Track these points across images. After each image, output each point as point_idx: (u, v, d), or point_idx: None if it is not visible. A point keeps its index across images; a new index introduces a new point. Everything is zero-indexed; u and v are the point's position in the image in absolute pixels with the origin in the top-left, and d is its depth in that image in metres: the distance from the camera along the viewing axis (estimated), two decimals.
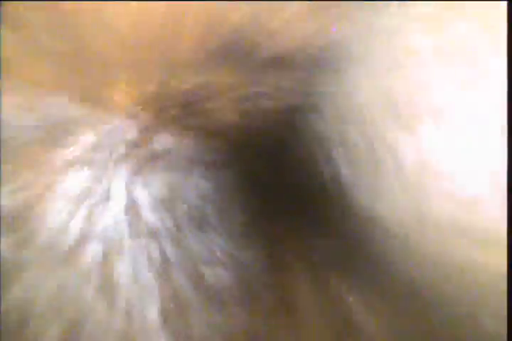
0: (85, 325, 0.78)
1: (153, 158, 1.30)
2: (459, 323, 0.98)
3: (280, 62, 1.29)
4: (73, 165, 1.05)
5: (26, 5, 0.97)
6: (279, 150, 2.11)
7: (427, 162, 1.16)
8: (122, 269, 0.87)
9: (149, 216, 1.14)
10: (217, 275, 1.06)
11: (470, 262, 0.92)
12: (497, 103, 0.86)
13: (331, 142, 1.74)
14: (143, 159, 1.26)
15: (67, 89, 1.07)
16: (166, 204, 1.24)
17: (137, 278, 0.90)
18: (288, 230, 1.47)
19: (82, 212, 0.97)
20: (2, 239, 0.82)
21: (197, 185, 1.42)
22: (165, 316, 0.84)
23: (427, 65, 1.10)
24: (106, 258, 0.88)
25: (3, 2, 0.86)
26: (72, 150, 1.06)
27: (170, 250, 1.08)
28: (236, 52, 1.19)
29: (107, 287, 0.84)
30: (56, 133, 1.03)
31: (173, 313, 0.87)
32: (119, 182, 1.13)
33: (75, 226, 0.92)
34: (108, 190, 1.09)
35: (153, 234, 1.09)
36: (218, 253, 1.16)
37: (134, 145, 1.27)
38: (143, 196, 1.17)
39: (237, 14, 1.10)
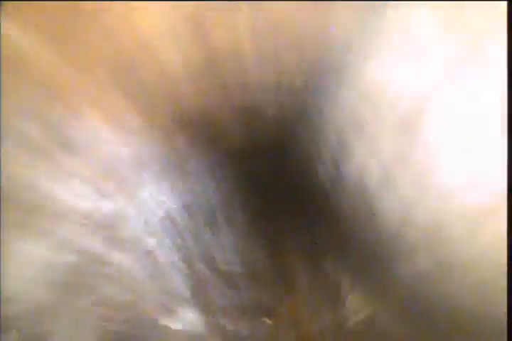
0: None
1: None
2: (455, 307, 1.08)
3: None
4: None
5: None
6: (279, 151, 2.23)
7: (425, 163, 1.20)
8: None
9: (175, 214, 1.35)
10: (227, 258, 1.32)
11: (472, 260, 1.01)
12: (498, 102, 0.86)
13: (332, 142, 1.81)
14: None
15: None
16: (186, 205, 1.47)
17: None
18: (287, 224, 1.66)
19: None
20: None
21: (202, 186, 1.63)
22: (192, 290, 1.15)
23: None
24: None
25: (3, 2, 0.86)
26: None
27: (189, 238, 1.31)
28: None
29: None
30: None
31: (197, 288, 1.18)
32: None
33: None
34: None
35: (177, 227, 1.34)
36: (226, 241, 1.42)
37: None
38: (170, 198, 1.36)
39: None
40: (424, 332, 1.28)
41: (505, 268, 0.89)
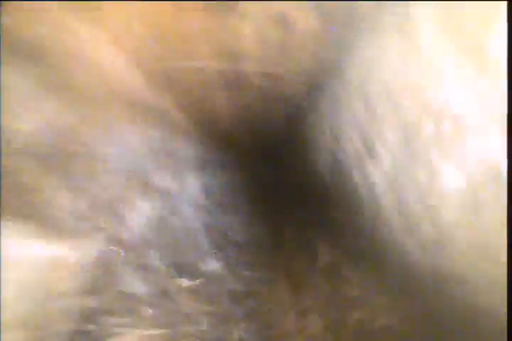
0: None
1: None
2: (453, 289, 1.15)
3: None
4: None
5: None
6: (281, 151, 2.31)
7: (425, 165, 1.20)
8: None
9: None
10: (236, 241, 1.73)
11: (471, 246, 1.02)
12: (498, 102, 0.83)
13: (333, 142, 1.84)
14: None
15: None
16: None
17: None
18: (287, 218, 1.99)
19: None
20: None
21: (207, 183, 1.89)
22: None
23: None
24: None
25: (3, 2, 0.89)
26: None
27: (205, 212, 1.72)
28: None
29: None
30: None
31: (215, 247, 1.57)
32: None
33: None
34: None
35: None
36: (233, 217, 1.84)
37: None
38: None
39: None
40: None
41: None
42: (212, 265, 1.62)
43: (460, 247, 1.16)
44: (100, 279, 1.08)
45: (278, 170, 2.23)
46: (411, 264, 1.43)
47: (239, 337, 1.27)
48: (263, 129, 2.05)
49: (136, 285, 1.14)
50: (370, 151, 1.50)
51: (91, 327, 0.99)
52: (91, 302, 1.03)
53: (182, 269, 1.45)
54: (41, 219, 0.98)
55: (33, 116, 0.97)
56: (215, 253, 1.67)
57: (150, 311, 1.14)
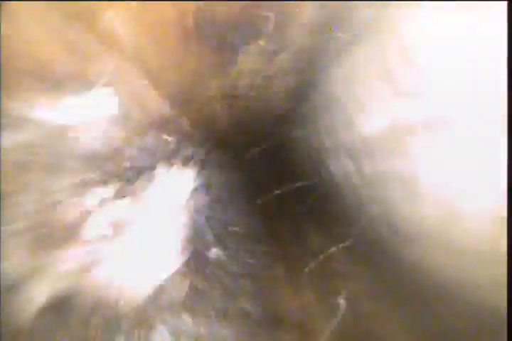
0: None
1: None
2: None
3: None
4: None
5: None
6: (279, 151, 2.47)
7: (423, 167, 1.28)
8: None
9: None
10: (230, 221, 2.02)
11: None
12: (498, 103, 0.87)
13: (331, 142, 1.95)
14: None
15: None
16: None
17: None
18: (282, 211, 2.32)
19: None
20: None
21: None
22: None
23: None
24: None
25: (3, 2, 0.85)
26: None
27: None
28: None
29: None
30: None
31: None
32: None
33: None
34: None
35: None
36: (229, 210, 2.15)
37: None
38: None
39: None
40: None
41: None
42: (216, 253, 1.89)
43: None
44: None
45: (273, 168, 2.49)
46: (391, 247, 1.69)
47: (241, 308, 1.58)
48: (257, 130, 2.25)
49: None
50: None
51: None
52: None
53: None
54: None
55: None
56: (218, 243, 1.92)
57: None
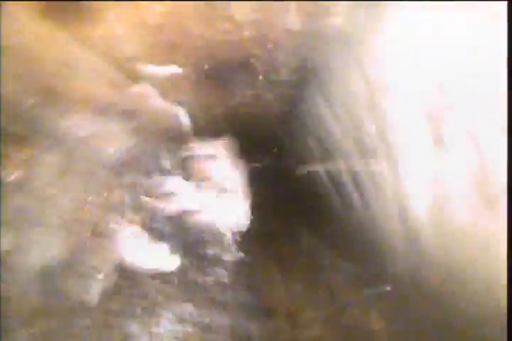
0: None
1: None
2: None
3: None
4: None
5: None
6: (279, 151, 2.54)
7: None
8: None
9: None
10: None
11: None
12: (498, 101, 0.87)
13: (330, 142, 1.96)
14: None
15: None
16: None
17: None
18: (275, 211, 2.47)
19: None
20: None
21: None
22: None
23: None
24: None
25: (3, 2, 0.85)
26: None
27: None
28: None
29: None
30: None
31: None
32: None
33: None
34: None
35: None
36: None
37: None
38: None
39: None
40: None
41: None
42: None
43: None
44: None
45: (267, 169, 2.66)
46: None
47: (239, 298, 1.74)
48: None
49: None
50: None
51: None
52: None
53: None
54: None
55: None
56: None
57: None
